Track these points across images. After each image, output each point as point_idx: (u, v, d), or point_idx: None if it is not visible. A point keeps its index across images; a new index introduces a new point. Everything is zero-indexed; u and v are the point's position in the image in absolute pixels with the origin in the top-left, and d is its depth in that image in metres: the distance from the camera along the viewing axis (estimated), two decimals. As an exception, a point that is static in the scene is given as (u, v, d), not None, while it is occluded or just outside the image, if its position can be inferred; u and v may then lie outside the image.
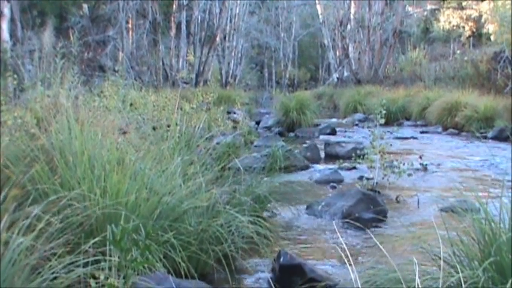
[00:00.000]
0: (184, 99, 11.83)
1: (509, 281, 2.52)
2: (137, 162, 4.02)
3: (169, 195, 3.92)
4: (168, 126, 6.34)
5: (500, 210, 3.15)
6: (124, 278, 1.97)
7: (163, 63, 23.45)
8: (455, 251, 3.15)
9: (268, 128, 15.51)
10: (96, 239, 3.00)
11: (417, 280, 2.17)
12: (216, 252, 3.96)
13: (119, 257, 1.95)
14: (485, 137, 14.58)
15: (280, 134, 13.89)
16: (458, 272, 2.92)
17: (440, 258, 3.10)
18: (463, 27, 30.59)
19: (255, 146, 10.36)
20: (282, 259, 4.05)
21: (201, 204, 4.05)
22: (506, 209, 3.12)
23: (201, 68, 25.04)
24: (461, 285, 2.72)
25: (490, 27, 28.09)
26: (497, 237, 2.92)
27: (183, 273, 3.49)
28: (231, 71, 28.05)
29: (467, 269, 2.97)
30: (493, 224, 3.05)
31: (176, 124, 5.72)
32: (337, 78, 32.24)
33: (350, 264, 2.34)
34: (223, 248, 3.99)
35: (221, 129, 9.26)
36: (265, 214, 5.53)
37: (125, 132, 5.47)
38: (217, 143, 7.68)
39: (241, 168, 5.71)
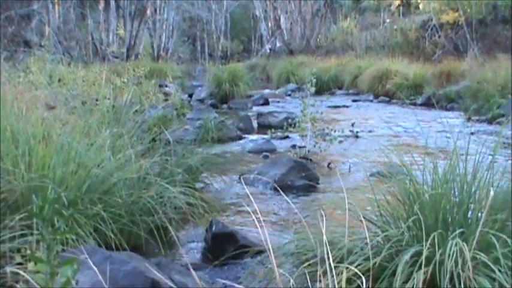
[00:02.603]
0: (115, 74, 11.65)
1: (431, 236, 2.60)
2: (64, 136, 3.94)
3: (98, 168, 3.87)
4: (97, 100, 6.24)
5: (423, 172, 3.25)
6: (48, 249, 1.94)
7: (92, 38, 22.93)
8: (382, 212, 3.24)
9: (201, 101, 15.45)
10: (22, 214, 2.94)
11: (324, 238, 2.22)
12: (148, 224, 3.95)
13: (41, 227, 1.92)
14: (415, 104, 14.94)
15: (213, 106, 13.85)
16: (384, 231, 3.01)
17: (368, 220, 3.20)
18: (393, -4, 31.05)
19: (188, 119, 10.32)
20: (214, 228, 4.08)
21: (131, 176, 4.02)
22: (428, 171, 3.21)
23: (132, 42, 24.63)
24: (386, 243, 2.81)
25: (419, -4, 28.62)
26: (421, 197, 3.01)
27: (114, 246, 3.47)
28: (162, 45, 27.65)
29: (393, 228, 3.06)
30: (416, 184, 3.14)
31: (105, 98, 5.65)
32: (270, 49, 32.26)
33: (260, 225, 2.38)
34: (155, 220, 3.98)
35: (152, 103, 9.17)
36: (197, 185, 5.52)
37: (52, 107, 5.36)
38: (149, 116, 7.61)
39: (173, 140, 5.68)
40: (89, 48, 22.52)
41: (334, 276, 2.21)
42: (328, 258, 2.27)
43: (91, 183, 3.72)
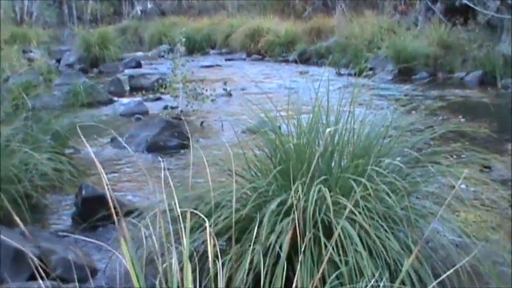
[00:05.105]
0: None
1: (295, 185, 2.65)
2: None
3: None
4: None
5: (288, 125, 3.32)
6: None
7: None
8: (250, 166, 3.27)
9: (70, 66, 14.85)
10: None
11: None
12: (12, 193, 3.77)
13: None
14: (287, 61, 15.19)
15: (83, 70, 13.36)
16: (251, 183, 3.05)
17: (237, 174, 3.23)
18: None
19: (56, 85, 9.92)
20: (84, 192, 3.99)
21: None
22: (293, 123, 3.28)
23: (-10, 6, 23.26)
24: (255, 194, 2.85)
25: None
26: (285, 147, 3.06)
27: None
28: (25, 8, 26.32)
29: (260, 180, 3.10)
30: (281, 136, 3.20)
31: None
32: (141, 11, 31.62)
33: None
34: (19, 188, 3.81)
35: (16, 69, 8.75)
36: (66, 151, 5.36)
37: None
38: (12, 83, 7.27)
39: (40, 106, 5.48)
40: None
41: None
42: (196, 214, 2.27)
43: None
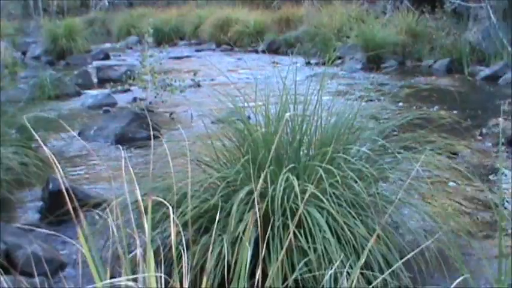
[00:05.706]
0: None
1: (263, 173, 2.64)
2: None
3: None
4: None
5: (256, 114, 3.30)
6: None
7: None
8: (218, 156, 3.26)
9: (37, 58, 14.65)
10: None
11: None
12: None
13: None
14: (257, 51, 15.16)
15: (50, 62, 13.20)
16: (219, 173, 3.03)
17: (205, 164, 3.22)
18: None
19: (22, 77, 9.77)
20: (51, 185, 3.93)
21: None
22: (261, 113, 3.27)
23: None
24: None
25: None
26: (253, 136, 3.05)
27: None
28: (-12, 0, 25.87)
29: (229, 169, 3.09)
30: (249, 125, 3.18)
31: None
32: (109, 2, 31.29)
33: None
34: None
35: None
36: (34, 144, 5.28)
37: None
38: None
39: (4, 99, 5.38)
40: None
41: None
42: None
43: None
